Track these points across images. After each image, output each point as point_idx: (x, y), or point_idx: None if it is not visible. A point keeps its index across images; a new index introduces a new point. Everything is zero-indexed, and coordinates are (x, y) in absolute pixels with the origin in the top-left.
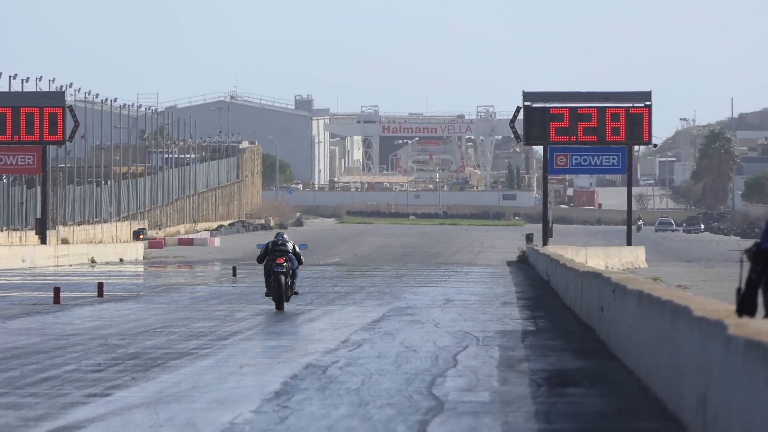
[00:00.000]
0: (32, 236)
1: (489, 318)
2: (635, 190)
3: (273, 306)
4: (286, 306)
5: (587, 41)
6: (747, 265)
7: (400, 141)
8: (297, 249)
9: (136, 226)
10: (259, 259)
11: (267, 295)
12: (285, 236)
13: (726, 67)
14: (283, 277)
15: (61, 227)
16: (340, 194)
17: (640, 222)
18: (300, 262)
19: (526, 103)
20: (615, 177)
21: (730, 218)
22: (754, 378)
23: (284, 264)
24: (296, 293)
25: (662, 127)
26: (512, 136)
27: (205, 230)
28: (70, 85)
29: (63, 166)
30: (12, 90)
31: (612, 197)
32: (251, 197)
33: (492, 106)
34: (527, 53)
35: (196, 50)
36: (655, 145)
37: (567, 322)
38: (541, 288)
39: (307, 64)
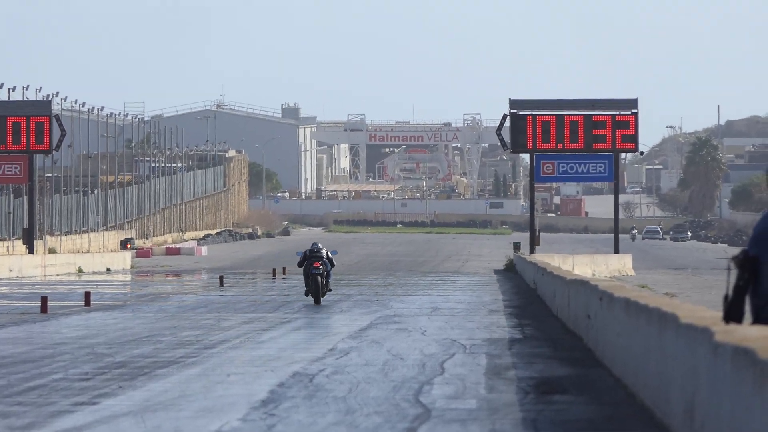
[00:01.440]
0: (19, 246)
1: (476, 326)
2: (622, 197)
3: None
4: (322, 300)
5: (574, 49)
6: (734, 273)
7: (387, 149)
8: (329, 255)
9: (123, 235)
10: (300, 264)
11: (306, 294)
12: (319, 245)
13: (713, 74)
14: (319, 278)
15: (48, 237)
16: (327, 203)
17: (635, 231)
18: (332, 265)
19: (512, 111)
20: (602, 185)
21: (717, 226)
22: (741, 385)
23: (320, 267)
24: (330, 290)
25: (649, 135)
26: (499, 144)
27: (192, 239)
28: (57, 94)
29: (50, 175)
30: None
31: (599, 205)
32: (238, 206)
33: (479, 113)
34: (514, 61)
35: (182, 59)
36: (641, 153)
37: (554, 329)
38: (528, 296)
39: (293, 73)
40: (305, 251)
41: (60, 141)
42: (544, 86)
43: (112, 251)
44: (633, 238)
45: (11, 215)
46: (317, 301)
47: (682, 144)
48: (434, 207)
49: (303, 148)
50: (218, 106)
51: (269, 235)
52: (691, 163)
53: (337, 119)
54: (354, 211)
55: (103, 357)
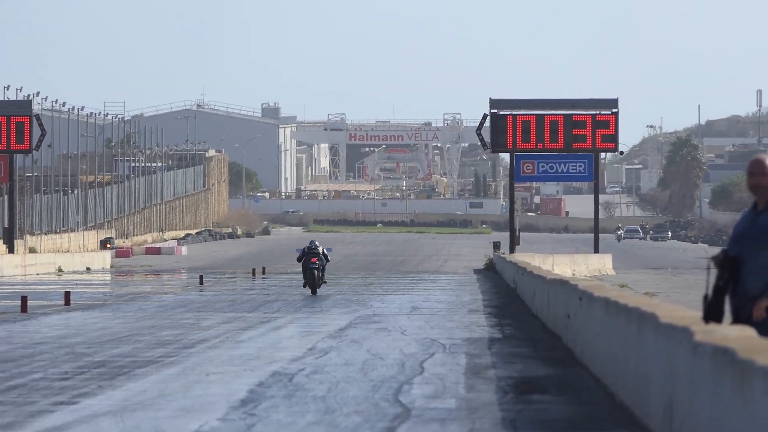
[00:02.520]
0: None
1: (456, 325)
2: (602, 197)
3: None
4: (318, 291)
5: (554, 48)
6: (714, 272)
7: (367, 149)
8: (325, 251)
9: (103, 235)
10: (299, 259)
11: (304, 285)
12: (316, 242)
13: (693, 74)
14: (316, 272)
15: (28, 236)
16: (307, 202)
17: (620, 232)
18: (327, 261)
19: (492, 111)
20: (582, 184)
21: (698, 226)
22: (720, 384)
23: (316, 262)
24: (325, 282)
25: (629, 135)
26: (479, 143)
27: (172, 239)
28: (37, 94)
29: (30, 175)
30: None
31: (579, 205)
32: (218, 206)
33: (459, 113)
34: (494, 61)
35: (162, 59)
36: (621, 153)
37: (534, 329)
38: (508, 296)
39: (273, 73)
40: (304, 248)
41: (40, 141)
42: (525, 86)
43: (92, 251)
44: (619, 239)
45: None
46: (314, 292)
47: (662, 144)
48: (414, 207)
49: (283, 148)
50: (198, 105)
51: (249, 235)
52: (671, 163)
53: (317, 119)
54: (334, 211)
55: (83, 356)
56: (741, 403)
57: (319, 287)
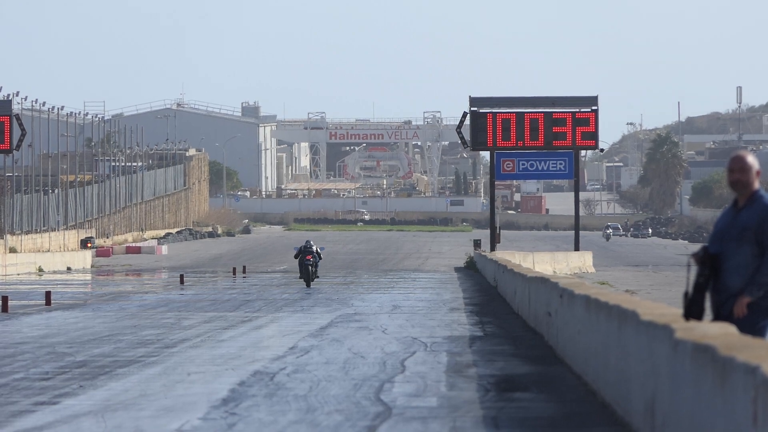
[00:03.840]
0: None
1: (437, 324)
2: (582, 195)
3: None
4: (312, 284)
5: (533, 46)
6: (694, 269)
7: (348, 147)
8: (318, 250)
9: (83, 234)
10: (295, 256)
11: (300, 278)
12: (311, 242)
13: (673, 71)
14: (310, 267)
15: (8, 236)
16: (288, 201)
17: (609, 231)
18: (320, 258)
19: (472, 109)
20: (562, 182)
21: (678, 223)
22: (701, 382)
23: (311, 259)
24: (318, 276)
25: (609, 132)
26: (459, 141)
27: (153, 238)
28: (17, 94)
29: (10, 174)
30: None
31: (559, 202)
32: (198, 205)
33: (439, 111)
34: (474, 59)
35: (142, 58)
36: (602, 150)
37: (515, 327)
38: (489, 294)
39: (253, 72)
40: (300, 247)
41: (20, 140)
42: (505, 84)
43: (72, 250)
44: (608, 237)
45: None
46: (308, 285)
47: (643, 141)
48: (395, 205)
49: (263, 147)
50: (178, 105)
51: (230, 234)
52: (651, 160)
53: (297, 118)
54: (314, 210)
55: (64, 356)
56: (721, 401)
57: (312, 281)
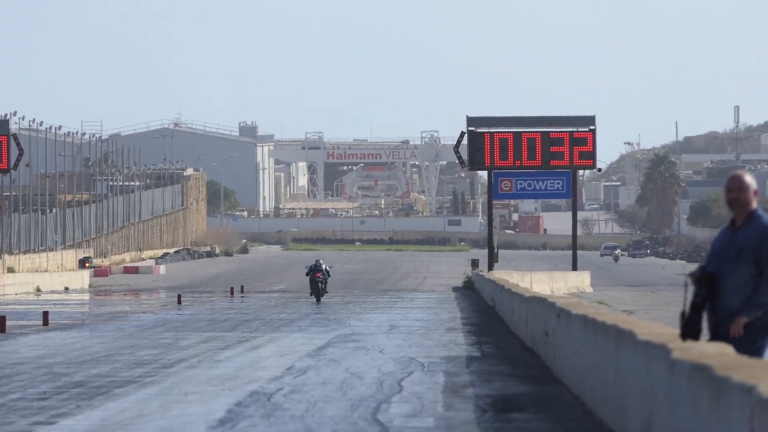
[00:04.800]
0: None
1: (434, 344)
2: (580, 214)
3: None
4: (322, 299)
5: (531, 66)
6: (691, 289)
7: (345, 167)
8: (327, 268)
9: (81, 254)
10: (306, 274)
11: (310, 294)
12: (321, 261)
13: (671, 90)
14: (320, 284)
15: (6, 256)
16: (286, 221)
17: (618, 251)
18: (329, 276)
19: (470, 128)
20: (560, 202)
21: (676, 242)
22: (698, 402)
23: (320, 277)
24: (327, 292)
25: (607, 152)
26: (457, 161)
27: (151, 258)
28: (15, 114)
29: (8, 194)
30: None
31: (557, 222)
32: (196, 224)
33: (436, 131)
34: (472, 78)
35: (140, 78)
36: (599, 170)
37: (512, 347)
38: (487, 314)
39: (251, 91)
40: (311, 265)
41: (18, 160)
42: (502, 104)
43: (70, 270)
44: (616, 258)
45: None
46: (318, 301)
47: (640, 160)
48: (393, 225)
49: (261, 167)
50: (176, 124)
51: (228, 254)
52: (649, 180)
53: (294, 137)
54: (312, 229)
55: (61, 376)
56: (717, 420)
57: (322, 296)
